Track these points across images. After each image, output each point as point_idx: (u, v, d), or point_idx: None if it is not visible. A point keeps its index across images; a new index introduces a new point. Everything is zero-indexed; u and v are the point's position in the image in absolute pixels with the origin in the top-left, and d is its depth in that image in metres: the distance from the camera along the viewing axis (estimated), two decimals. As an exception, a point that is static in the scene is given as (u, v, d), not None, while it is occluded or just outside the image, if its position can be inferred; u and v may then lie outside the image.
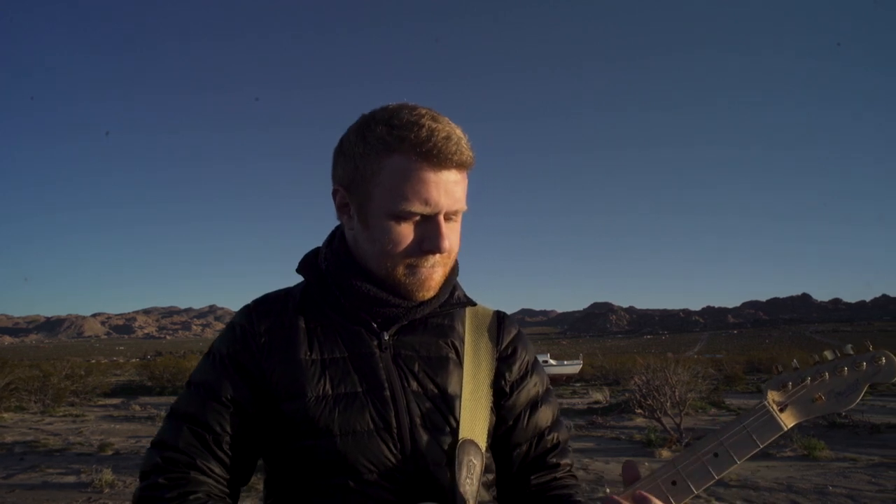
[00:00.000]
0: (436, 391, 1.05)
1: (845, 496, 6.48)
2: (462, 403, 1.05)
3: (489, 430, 1.08)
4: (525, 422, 1.13)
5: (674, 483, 0.95)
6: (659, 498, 0.94)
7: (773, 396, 0.99)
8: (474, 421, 1.05)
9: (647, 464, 8.65)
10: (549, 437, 1.15)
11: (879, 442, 10.21)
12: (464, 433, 1.03)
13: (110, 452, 9.51)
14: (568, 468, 1.16)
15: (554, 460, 1.14)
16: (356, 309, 1.06)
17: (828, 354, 1.00)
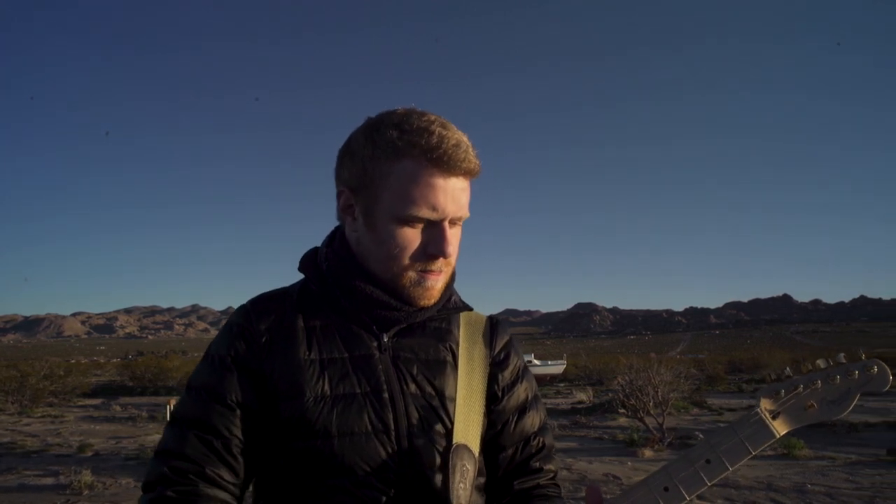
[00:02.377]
0: (433, 394, 1.04)
1: (824, 494, 6.59)
2: (457, 407, 1.05)
3: (481, 435, 1.08)
4: (513, 426, 1.13)
5: (666, 489, 0.96)
6: None
7: (765, 404, 1.00)
8: (468, 425, 1.05)
9: (629, 463, 8.73)
10: (535, 442, 1.15)
11: (857, 441, 10.42)
12: (458, 437, 1.03)
13: (90, 453, 9.40)
14: (552, 475, 1.15)
15: (537, 464, 1.13)
16: (357, 310, 1.06)
17: (821, 363, 1.01)
